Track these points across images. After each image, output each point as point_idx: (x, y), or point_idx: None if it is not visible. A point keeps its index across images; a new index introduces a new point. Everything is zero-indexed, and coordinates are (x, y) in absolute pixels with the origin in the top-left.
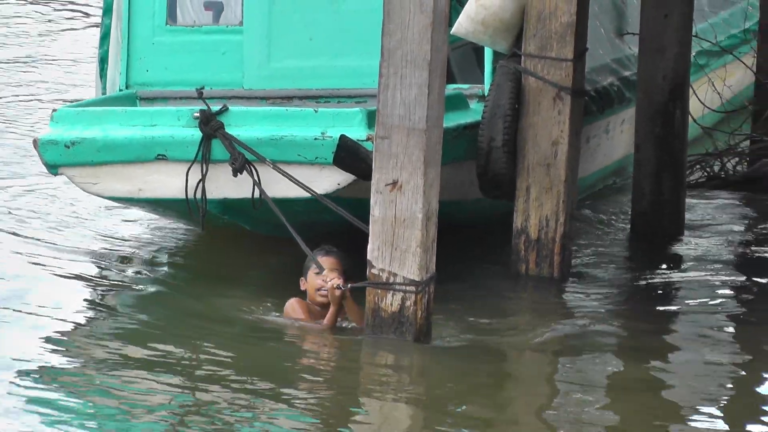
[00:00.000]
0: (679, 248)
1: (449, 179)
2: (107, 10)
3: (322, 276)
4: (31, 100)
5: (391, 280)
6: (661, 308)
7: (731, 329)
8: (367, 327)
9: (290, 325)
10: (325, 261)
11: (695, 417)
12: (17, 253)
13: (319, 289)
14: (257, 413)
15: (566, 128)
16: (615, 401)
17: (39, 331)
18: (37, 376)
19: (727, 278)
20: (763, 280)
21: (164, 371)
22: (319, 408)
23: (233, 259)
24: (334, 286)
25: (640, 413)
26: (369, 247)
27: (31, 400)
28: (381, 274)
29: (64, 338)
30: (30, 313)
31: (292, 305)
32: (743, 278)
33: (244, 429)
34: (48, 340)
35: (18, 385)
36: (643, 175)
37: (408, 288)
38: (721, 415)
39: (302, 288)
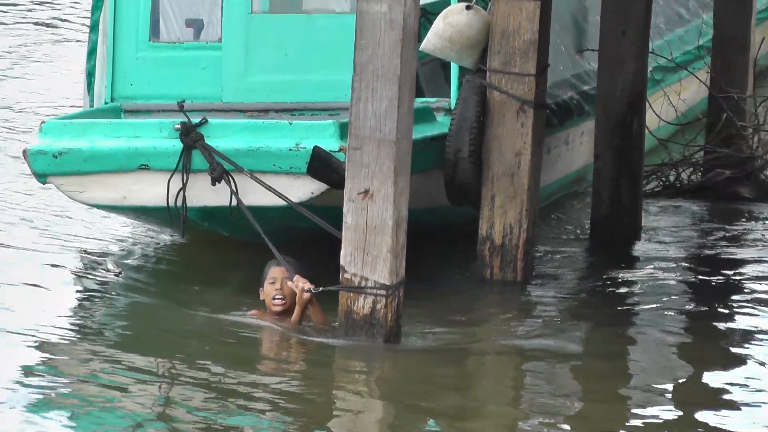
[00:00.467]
0: (636, 252)
1: (418, 188)
2: (94, 27)
3: (272, 289)
4: (24, 111)
5: (363, 284)
6: (619, 308)
7: (683, 326)
8: (339, 328)
9: (257, 326)
10: (274, 270)
11: (652, 409)
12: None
13: (274, 298)
14: (233, 410)
15: (529, 140)
16: (577, 397)
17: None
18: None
19: (681, 279)
20: (713, 279)
21: (142, 371)
22: (295, 406)
23: (212, 262)
24: (305, 289)
25: (601, 407)
26: (342, 252)
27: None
28: (353, 278)
29: (48, 339)
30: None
31: (254, 317)
32: (695, 279)
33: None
34: (33, 344)
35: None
36: (602, 183)
37: (379, 292)
38: (676, 404)
39: (261, 298)
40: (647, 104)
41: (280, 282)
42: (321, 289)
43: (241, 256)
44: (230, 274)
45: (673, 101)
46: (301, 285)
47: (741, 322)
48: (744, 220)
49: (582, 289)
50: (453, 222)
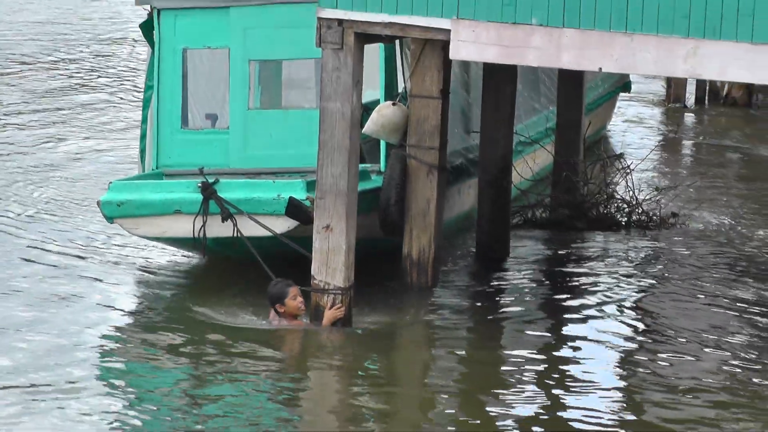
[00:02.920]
0: (505, 266)
1: (361, 224)
2: (144, 119)
3: (298, 300)
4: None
5: (326, 287)
6: (494, 302)
7: (539, 316)
8: (309, 317)
9: (278, 326)
10: (293, 290)
11: (519, 387)
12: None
13: (299, 307)
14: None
15: (435, 192)
16: (463, 364)
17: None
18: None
19: (536, 282)
20: (557, 281)
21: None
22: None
23: (222, 276)
24: (303, 306)
25: (477, 382)
26: (312, 266)
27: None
28: (320, 283)
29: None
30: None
31: (275, 318)
32: (546, 282)
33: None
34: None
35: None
36: (482, 219)
37: (337, 292)
38: (539, 381)
39: (280, 310)
40: (513, 167)
41: (298, 296)
42: (301, 288)
43: (241, 272)
44: (235, 284)
45: (530, 165)
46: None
47: (570, 312)
48: (578, 243)
49: (469, 290)
50: (384, 247)
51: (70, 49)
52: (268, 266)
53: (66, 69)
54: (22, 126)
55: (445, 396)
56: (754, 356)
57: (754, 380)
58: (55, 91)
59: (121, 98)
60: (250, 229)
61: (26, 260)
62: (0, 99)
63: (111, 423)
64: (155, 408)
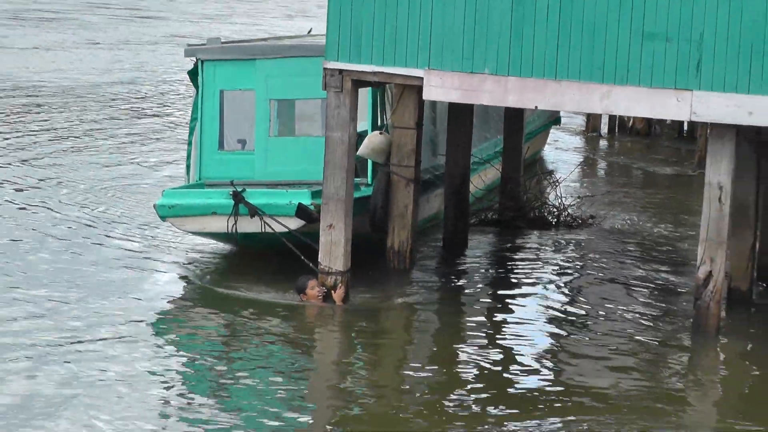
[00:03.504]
0: (464, 254)
1: (354, 223)
2: (189, 143)
3: (316, 290)
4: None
5: (330, 270)
6: (457, 279)
7: (484, 303)
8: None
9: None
10: (312, 282)
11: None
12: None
13: (318, 295)
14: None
15: (411, 199)
16: (432, 323)
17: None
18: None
19: (487, 268)
20: (502, 267)
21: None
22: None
23: (252, 263)
24: (321, 293)
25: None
26: (319, 254)
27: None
28: (325, 267)
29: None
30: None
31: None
32: (498, 266)
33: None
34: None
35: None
36: (448, 220)
37: (338, 274)
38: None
39: (303, 299)
40: (470, 181)
41: (316, 286)
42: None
43: (266, 260)
44: (259, 267)
45: (483, 179)
46: (319, 291)
47: (512, 288)
48: (520, 238)
49: (437, 272)
50: (372, 239)
51: (130, 90)
52: (279, 254)
53: (126, 105)
54: (92, 148)
55: (418, 345)
56: (653, 323)
57: (654, 342)
58: (117, 121)
59: (168, 127)
60: (270, 225)
61: (96, 244)
62: (71, 126)
63: (162, 370)
64: (195, 357)
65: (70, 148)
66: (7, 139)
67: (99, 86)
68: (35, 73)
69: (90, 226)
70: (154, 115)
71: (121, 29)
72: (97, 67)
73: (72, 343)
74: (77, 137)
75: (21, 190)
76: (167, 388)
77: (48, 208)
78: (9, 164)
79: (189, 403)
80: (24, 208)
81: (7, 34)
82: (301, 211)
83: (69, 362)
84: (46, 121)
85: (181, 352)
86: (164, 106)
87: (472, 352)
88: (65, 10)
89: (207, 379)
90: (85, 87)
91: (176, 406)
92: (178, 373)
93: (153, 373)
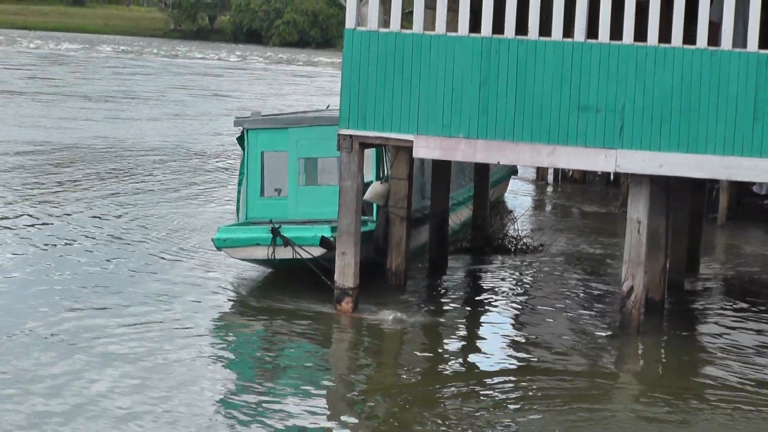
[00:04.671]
0: (445, 275)
1: (362, 251)
2: (239, 191)
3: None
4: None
5: (343, 286)
6: (439, 293)
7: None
8: (334, 305)
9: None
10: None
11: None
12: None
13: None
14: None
15: (404, 232)
16: (421, 326)
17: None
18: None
19: (465, 285)
20: (476, 282)
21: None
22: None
23: (288, 284)
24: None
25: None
26: (335, 275)
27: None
28: (340, 284)
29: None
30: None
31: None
32: (471, 283)
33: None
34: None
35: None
36: (432, 248)
37: (350, 289)
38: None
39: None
40: (449, 218)
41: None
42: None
43: (293, 279)
44: (292, 285)
45: (458, 218)
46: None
47: (482, 296)
48: (487, 261)
49: (425, 288)
50: (376, 264)
51: (190, 152)
52: (306, 274)
53: (188, 164)
54: (165, 191)
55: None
56: (589, 324)
57: (590, 339)
58: (181, 177)
59: (218, 180)
60: (299, 253)
61: (166, 268)
62: (156, 176)
63: (211, 365)
64: (240, 354)
65: (149, 190)
66: (102, 179)
67: (180, 146)
68: (140, 137)
69: (158, 255)
70: (207, 172)
71: (200, 105)
72: (181, 132)
73: (134, 341)
74: (159, 183)
75: (110, 223)
76: (213, 386)
77: (124, 238)
78: (104, 203)
79: (232, 402)
80: (114, 237)
81: (123, 109)
82: (323, 242)
83: (130, 361)
84: (131, 170)
85: (228, 352)
86: (225, 160)
87: (451, 348)
88: (162, 90)
89: (247, 374)
90: (170, 147)
91: (219, 406)
92: (224, 369)
93: (203, 365)
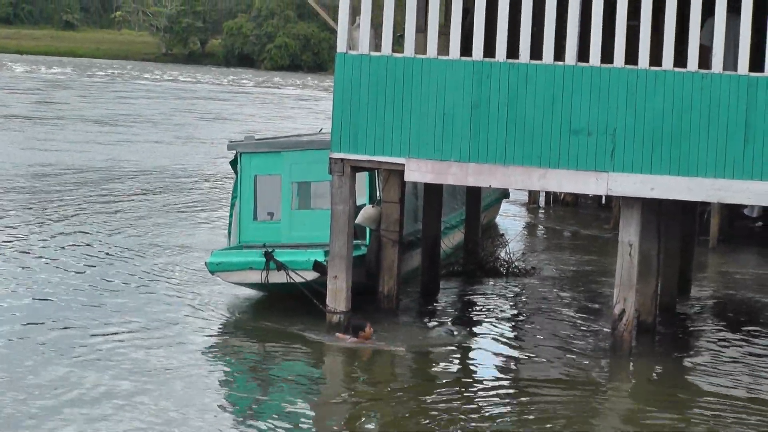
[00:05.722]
0: (437, 297)
1: (354, 274)
2: (231, 216)
3: (368, 332)
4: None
5: (335, 310)
6: (431, 315)
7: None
8: (326, 328)
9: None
10: (369, 326)
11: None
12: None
13: (369, 335)
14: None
15: (396, 255)
16: (415, 350)
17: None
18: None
19: (456, 304)
20: (468, 304)
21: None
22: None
23: (281, 308)
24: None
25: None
26: (327, 298)
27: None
28: (332, 308)
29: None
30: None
31: (340, 337)
32: (462, 305)
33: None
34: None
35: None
36: (424, 271)
37: (342, 312)
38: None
39: (362, 336)
40: (441, 241)
41: (369, 328)
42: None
43: (286, 302)
44: (284, 308)
45: (451, 241)
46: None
47: (473, 316)
48: (479, 284)
49: (417, 310)
50: (369, 287)
51: (183, 176)
52: (298, 298)
53: (183, 188)
54: (155, 224)
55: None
56: (581, 346)
57: (582, 360)
58: (173, 199)
59: (211, 203)
60: (292, 277)
61: (161, 290)
62: (140, 207)
63: (203, 385)
64: (232, 374)
65: (147, 208)
66: (105, 195)
67: (180, 169)
68: (146, 159)
69: (150, 274)
70: (199, 194)
71: (203, 129)
72: (181, 154)
73: (129, 353)
74: (158, 204)
75: (106, 242)
76: (208, 399)
77: (119, 257)
78: (101, 222)
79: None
80: (109, 255)
81: (137, 133)
82: (316, 266)
83: (128, 375)
84: (130, 191)
85: (220, 373)
86: (205, 189)
87: (442, 370)
88: (167, 114)
89: (240, 391)
90: (173, 169)
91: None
92: (218, 384)
93: (197, 382)
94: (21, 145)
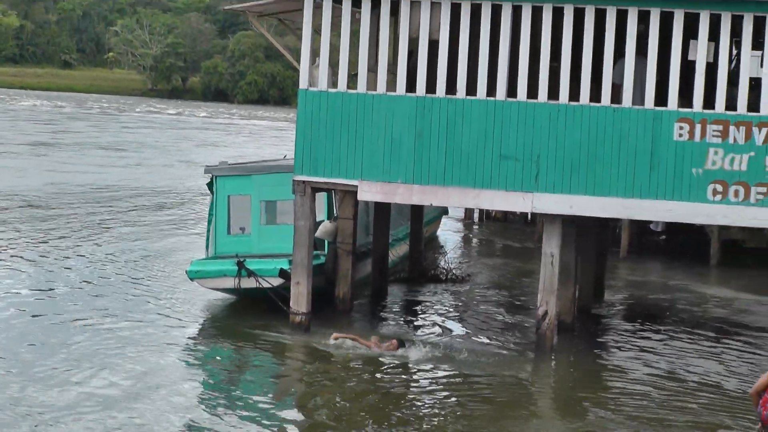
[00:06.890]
0: (386, 300)
1: (314, 280)
2: (208, 230)
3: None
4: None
5: (297, 311)
6: (379, 315)
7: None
8: (289, 327)
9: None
10: (392, 343)
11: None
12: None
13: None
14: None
15: (350, 264)
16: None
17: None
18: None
19: (402, 306)
20: (413, 306)
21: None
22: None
23: (251, 310)
24: (380, 343)
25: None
26: (291, 301)
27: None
28: (294, 309)
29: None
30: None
31: (339, 336)
32: (407, 307)
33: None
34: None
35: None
36: (374, 278)
37: (303, 314)
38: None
39: (374, 341)
40: (389, 252)
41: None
42: (285, 309)
43: (256, 305)
44: (255, 311)
45: (398, 251)
46: (383, 345)
47: (417, 318)
48: (422, 288)
49: (368, 311)
50: (327, 292)
51: (161, 197)
52: (266, 301)
53: (161, 208)
54: (143, 236)
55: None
56: (508, 344)
57: (509, 356)
58: (152, 217)
59: (190, 219)
60: (261, 282)
61: (145, 293)
62: (134, 222)
63: (187, 385)
64: (207, 370)
65: (135, 225)
66: (96, 211)
67: (172, 190)
68: (147, 179)
69: (139, 281)
70: (177, 213)
71: (194, 153)
72: (172, 177)
73: (113, 353)
74: (146, 221)
75: (95, 254)
76: (182, 396)
77: (106, 266)
78: (90, 233)
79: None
80: (100, 262)
81: (146, 157)
82: (281, 273)
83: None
84: (121, 206)
85: (198, 362)
86: (184, 207)
87: (387, 363)
88: (166, 140)
89: (213, 385)
90: (168, 189)
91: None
92: (193, 383)
93: (175, 376)
94: (35, 168)
